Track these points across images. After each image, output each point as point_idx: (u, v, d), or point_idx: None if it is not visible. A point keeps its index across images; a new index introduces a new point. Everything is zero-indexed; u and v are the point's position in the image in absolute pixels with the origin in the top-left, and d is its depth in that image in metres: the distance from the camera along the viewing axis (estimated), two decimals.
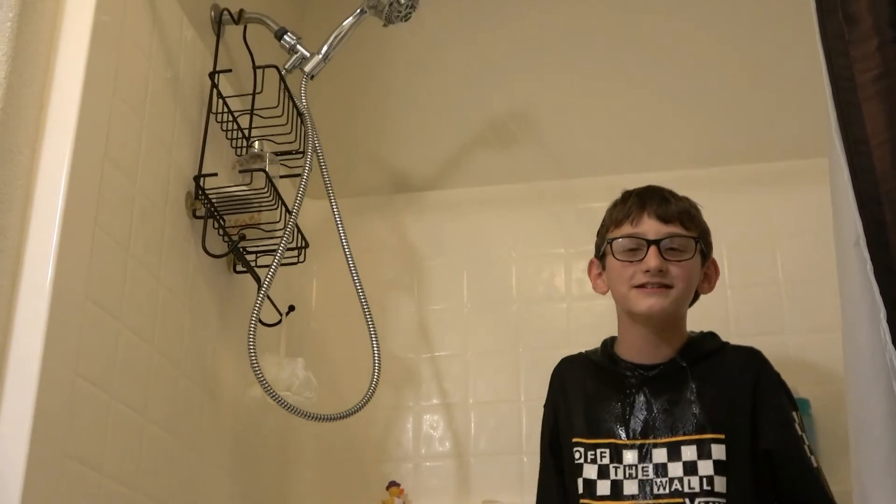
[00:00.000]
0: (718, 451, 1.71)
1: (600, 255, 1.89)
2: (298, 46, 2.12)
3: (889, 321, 1.14)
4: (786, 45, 2.50)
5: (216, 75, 1.99)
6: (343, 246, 2.07)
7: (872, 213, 1.18)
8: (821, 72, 1.32)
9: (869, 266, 1.16)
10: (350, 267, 2.06)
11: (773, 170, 2.41)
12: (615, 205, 1.89)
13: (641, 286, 1.78)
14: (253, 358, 1.82)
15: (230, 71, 2.07)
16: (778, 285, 2.32)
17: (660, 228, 1.80)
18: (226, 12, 2.08)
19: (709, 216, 1.89)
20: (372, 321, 2.04)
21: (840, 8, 1.30)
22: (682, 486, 1.71)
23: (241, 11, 2.11)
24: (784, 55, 2.50)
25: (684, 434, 1.74)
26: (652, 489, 1.72)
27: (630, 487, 1.74)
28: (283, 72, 2.11)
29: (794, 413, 1.78)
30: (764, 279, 2.33)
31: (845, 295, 1.26)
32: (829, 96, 1.28)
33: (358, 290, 2.06)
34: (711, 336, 1.88)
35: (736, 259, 2.31)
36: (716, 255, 1.90)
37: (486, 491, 2.27)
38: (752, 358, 1.83)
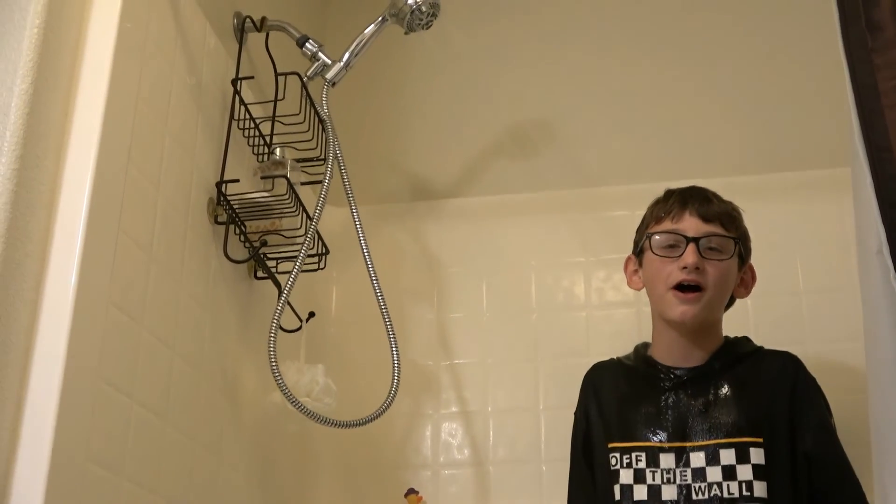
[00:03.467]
0: (757, 455, 1.71)
1: (638, 252, 1.90)
2: (320, 54, 2.13)
3: None
4: (809, 54, 2.49)
5: (238, 82, 2.00)
6: (363, 253, 2.08)
7: (895, 220, 1.18)
8: (843, 80, 1.32)
9: (892, 274, 1.16)
10: (370, 274, 2.07)
11: (795, 179, 2.40)
12: (657, 202, 1.91)
13: (678, 287, 1.78)
14: (273, 363, 1.82)
15: (252, 78, 2.08)
16: (799, 295, 2.31)
17: (700, 227, 1.82)
18: (248, 20, 2.09)
19: None
20: (391, 328, 2.05)
21: (863, 16, 1.29)
22: (722, 492, 1.70)
23: (263, 19, 2.12)
24: (807, 63, 2.50)
25: (722, 437, 1.74)
26: (691, 495, 1.72)
27: (668, 493, 1.73)
28: (305, 79, 2.11)
29: (831, 418, 1.78)
30: (785, 289, 2.32)
31: (867, 303, 1.26)
32: (852, 104, 1.27)
33: (378, 297, 2.06)
34: (746, 340, 1.89)
35: (757, 268, 2.29)
36: None
37: (505, 499, 2.27)
38: (789, 362, 1.84)
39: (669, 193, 1.90)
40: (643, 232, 1.90)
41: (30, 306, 1.40)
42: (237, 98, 1.99)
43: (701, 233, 1.81)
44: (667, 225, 1.84)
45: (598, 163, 2.56)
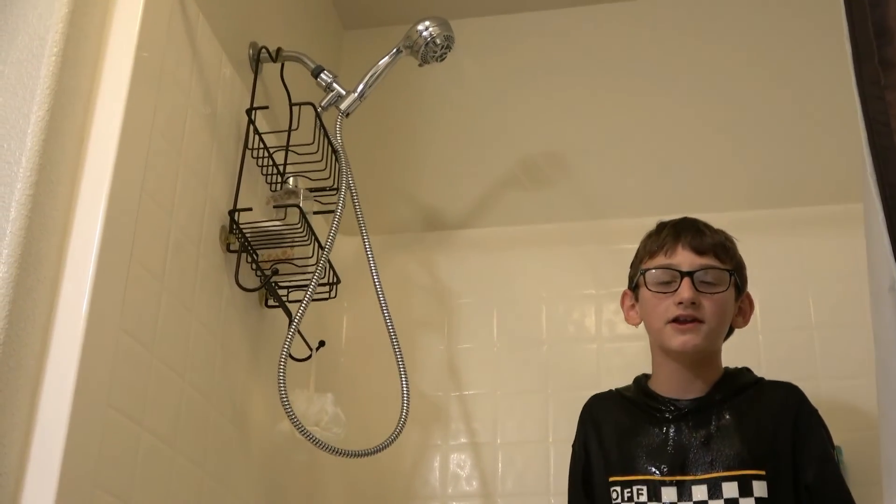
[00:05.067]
0: (760, 489, 1.69)
1: (633, 287, 1.89)
2: (334, 84, 2.14)
3: None
4: (823, 90, 2.50)
5: (253, 112, 2.02)
6: (374, 283, 2.08)
7: None
8: (857, 117, 1.32)
9: None
10: (381, 304, 2.07)
11: (808, 214, 2.40)
12: (649, 236, 1.89)
13: (675, 321, 1.78)
14: (283, 392, 1.82)
15: (267, 107, 2.09)
16: (810, 330, 2.31)
17: (694, 260, 1.80)
18: (264, 50, 2.10)
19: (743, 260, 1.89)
20: (401, 358, 2.05)
21: (876, 53, 1.29)
22: None
23: (278, 49, 2.14)
24: (820, 99, 2.50)
25: (724, 469, 1.72)
26: None
27: None
28: (319, 109, 2.13)
29: (833, 450, 1.76)
30: (796, 324, 2.31)
31: (879, 340, 1.25)
32: (865, 141, 1.27)
33: (388, 326, 2.06)
34: (747, 371, 1.87)
35: (769, 303, 2.30)
36: None
37: None
38: (791, 393, 1.82)
39: (662, 226, 1.88)
40: (637, 267, 1.88)
41: (41, 331, 1.40)
42: (251, 127, 2.00)
43: (695, 266, 1.79)
44: (660, 260, 1.82)
45: (610, 195, 2.56)
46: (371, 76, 2.17)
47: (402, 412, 2.00)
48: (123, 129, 1.55)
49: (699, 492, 1.72)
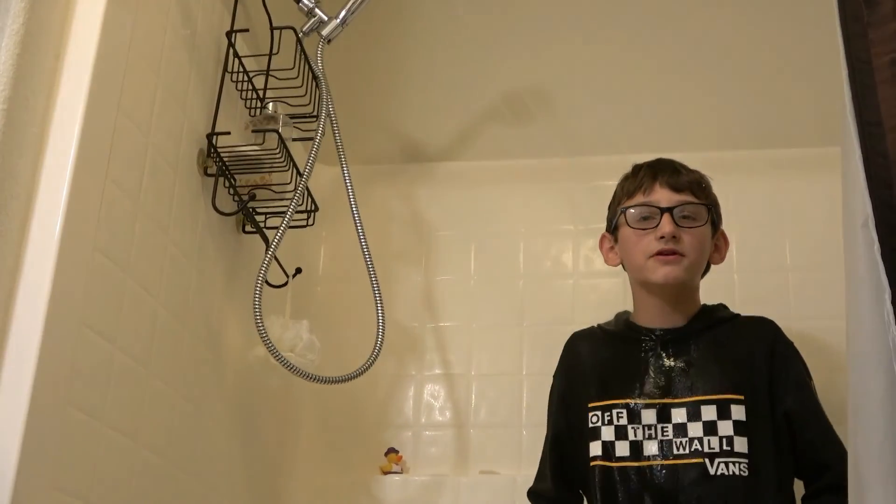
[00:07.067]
0: (738, 412, 1.74)
1: (612, 228, 1.91)
2: (316, 10, 2.12)
3: (894, 302, 1.14)
4: (804, 31, 2.48)
5: (233, 34, 1.99)
6: (353, 212, 2.08)
7: (882, 195, 1.18)
8: (838, 58, 1.31)
9: (876, 247, 1.16)
10: (359, 233, 2.07)
11: (787, 156, 2.42)
12: (626, 178, 1.93)
13: (657, 254, 1.80)
14: (258, 318, 1.83)
15: (247, 31, 2.06)
16: (785, 272, 2.33)
17: (672, 197, 1.84)
18: None
19: (720, 200, 1.90)
20: (378, 288, 2.05)
21: None
22: (702, 447, 1.73)
23: None
24: (802, 40, 2.48)
25: (703, 394, 1.76)
26: (672, 449, 1.75)
27: (650, 447, 1.76)
28: (301, 34, 2.10)
29: (810, 380, 1.81)
30: (771, 265, 2.33)
31: (851, 276, 1.26)
32: (846, 78, 1.27)
33: (365, 256, 2.06)
34: (723, 307, 1.93)
35: (744, 244, 2.31)
36: None
37: (484, 462, 2.29)
38: (767, 326, 1.87)
39: (638, 168, 1.93)
40: (615, 209, 1.92)
41: (14, 248, 1.39)
42: (231, 50, 1.98)
43: (673, 202, 1.84)
44: (639, 198, 1.87)
45: (592, 132, 2.55)
46: (354, 2, 2.15)
47: (377, 341, 2.01)
48: (100, 45, 1.52)
49: (678, 414, 1.77)
